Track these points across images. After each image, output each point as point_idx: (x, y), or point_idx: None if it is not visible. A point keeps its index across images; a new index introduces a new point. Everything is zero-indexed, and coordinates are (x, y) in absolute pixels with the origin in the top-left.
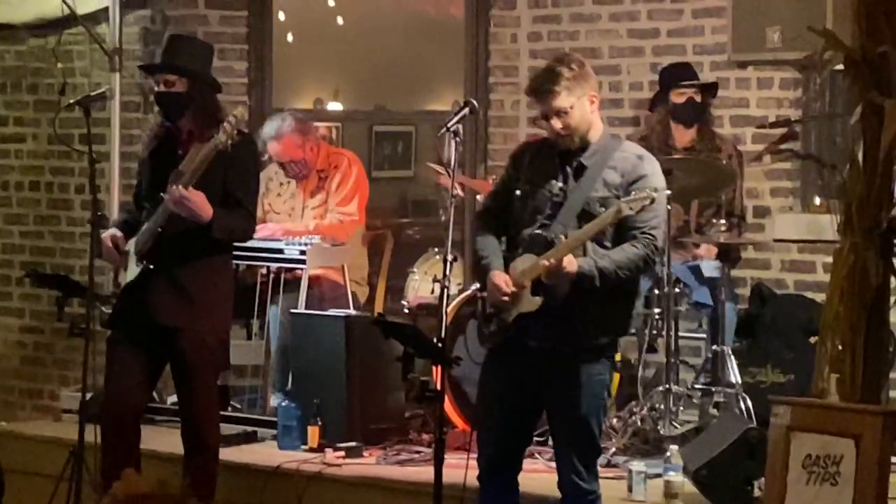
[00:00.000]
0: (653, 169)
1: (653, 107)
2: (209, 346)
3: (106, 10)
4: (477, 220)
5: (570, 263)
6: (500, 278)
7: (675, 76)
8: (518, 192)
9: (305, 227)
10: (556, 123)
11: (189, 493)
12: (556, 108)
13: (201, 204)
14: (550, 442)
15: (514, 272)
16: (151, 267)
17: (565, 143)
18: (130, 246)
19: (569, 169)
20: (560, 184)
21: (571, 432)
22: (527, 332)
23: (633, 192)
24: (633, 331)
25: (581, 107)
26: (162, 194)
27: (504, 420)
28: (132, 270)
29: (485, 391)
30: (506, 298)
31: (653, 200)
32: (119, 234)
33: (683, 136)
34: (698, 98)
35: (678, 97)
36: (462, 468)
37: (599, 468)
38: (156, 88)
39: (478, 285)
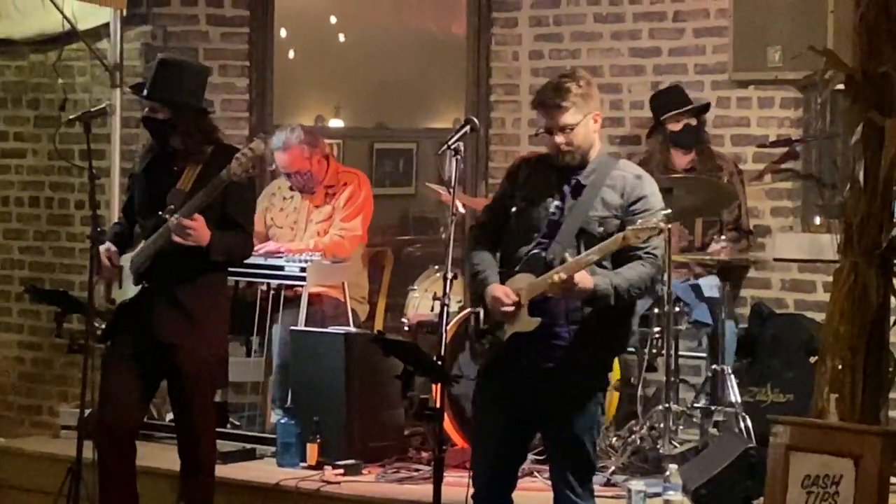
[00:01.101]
0: (652, 189)
1: (651, 135)
2: (206, 363)
3: (107, 25)
4: (471, 236)
5: (585, 280)
6: (501, 290)
7: (667, 104)
8: (514, 209)
9: (306, 245)
10: (560, 139)
11: None
12: (563, 124)
13: (200, 230)
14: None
15: (512, 289)
16: (146, 283)
17: (565, 159)
18: (125, 261)
19: (566, 187)
20: (557, 202)
21: (566, 450)
22: (522, 351)
23: (640, 221)
24: (631, 349)
25: (586, 124)
26: (162, 214)
27: (499, 439)
28: (129, 288)
29: (479, 409)
30: (507, 310)
31: (661, 231)
32: (113, 248)
33: (683, 159)
34: (694, 122)
35: (674, 125)
36: (461, 486)
37: (598, 487)
38: (143, 112)
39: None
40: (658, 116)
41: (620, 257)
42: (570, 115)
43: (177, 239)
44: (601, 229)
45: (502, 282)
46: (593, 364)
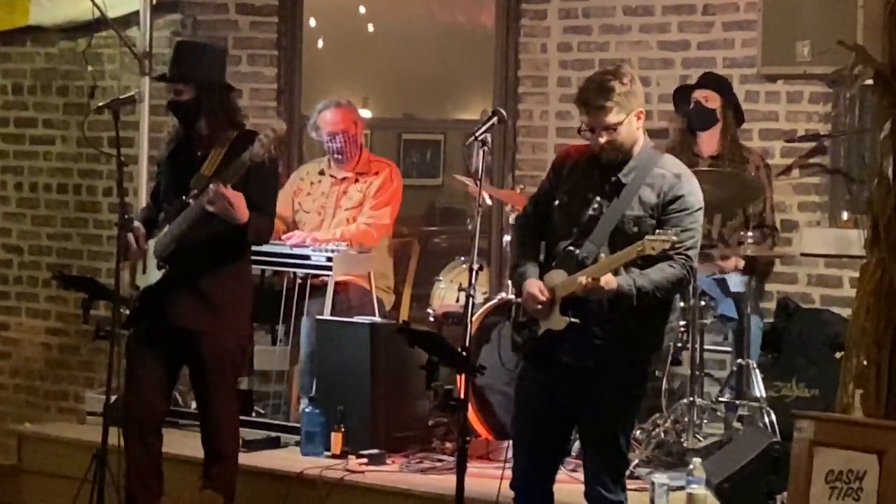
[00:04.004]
0: (690, 188)
1: (677, 105)
2: (228, 351)
3: (137, 13)
4: (517, 226)
5: (609, 281)
6: (536, 286)
7: (711, 79)
8: (557, 202)
9: (332, 234)
10: (603, 138)
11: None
12: (606, 124)
13: (241, 205)
14: (574, 453)
15: (547, 285)
16: (169, 268)
17: (608, 156)
18: (150, 246)
19: (607, 185)
20: (598, 198)
21: (601, 446)
22: (558, 347)
23: (658, 231)
24: (666, 345)
25: (629, 123)
26: (184, 198)
27: (537, 433)
28: (153, 273)
29: (519, 403)
30: (539, 307)
31: (673, 245)
32: (142, 229)
33: (708, 144)
34: (718, 107)
35: (702, 97)
36: (484, 477)
37: None
38: (169, 98)
39: (502, 295)
40: (693, 85)
41: (653, 257)
42: (613, 115)
43: (209, 206)
44: (636, 229)
45: (541, 276)
46: (629, 362)
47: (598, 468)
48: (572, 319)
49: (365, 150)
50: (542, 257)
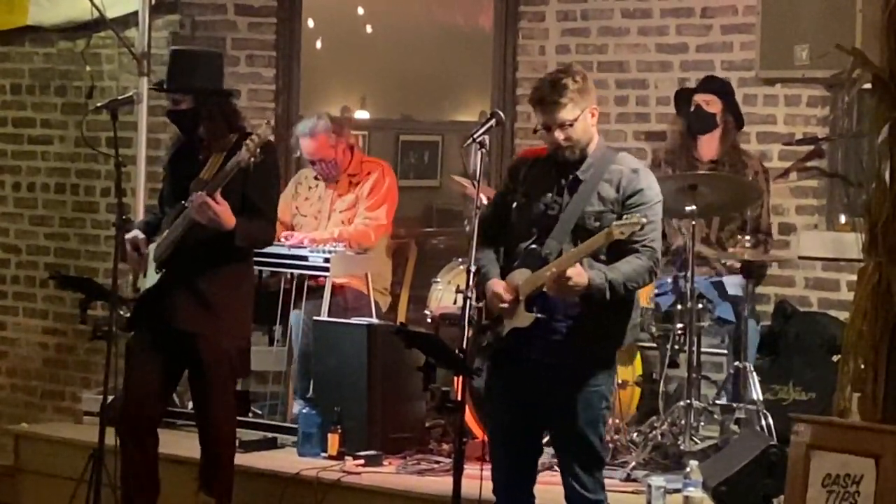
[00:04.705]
0: (648, 182)
1: (678, 106)
2: (227, 353)
3: (135, 14)
4: (476, 231)
5: (580, 275)
6: (500, 286)
7: (711, 82)
8: (515, 204)
9: (330, 234)
10: (559, 135)
11: None
12: (561, 121)
13: (224, 213)
14: None
15: (510, 284)
16: (166, 271)
17: (565, 155)
18: (151, 250)
19: (564, 182)
20: (555, 197)
21: (571, 444)
22: (525, 346)
23: (625, 216)
24: (653, 345)
25: (584, 119)
26: (183, 202)
27: (511, 433)
28: (152, 276)
29: (489, 405)
30: (504, 306)
31: (642, 227)
32: (141, 236)
33: (709, 148)
34: (719, 112)
35: (704, 102)
36: (481, 479)
37: (619, 482)
38: (167, 107)
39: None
40: (695, 88)
41: (618, 251)
42: (567, 112)
43: (195, 216)
44: (597, 224)
45: (503, 276)
46: (594, 358)
47: (574, 469)
48: (538, 315)
49: (357, 151)
50: (502, 260)
